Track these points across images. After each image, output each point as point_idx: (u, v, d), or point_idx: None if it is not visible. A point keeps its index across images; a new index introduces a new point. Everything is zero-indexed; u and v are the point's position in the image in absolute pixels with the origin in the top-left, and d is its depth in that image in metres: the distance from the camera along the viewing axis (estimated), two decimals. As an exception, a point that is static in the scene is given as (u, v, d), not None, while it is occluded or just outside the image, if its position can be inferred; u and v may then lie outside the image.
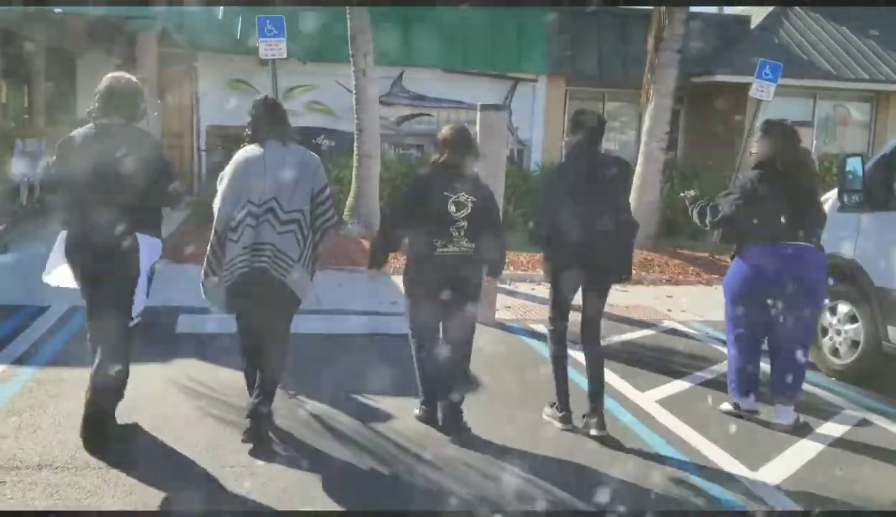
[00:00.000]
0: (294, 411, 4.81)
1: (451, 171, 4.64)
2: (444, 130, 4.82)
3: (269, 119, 4.46)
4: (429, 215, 4.58)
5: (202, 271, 4.35)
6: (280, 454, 4.22)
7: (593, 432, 4.68)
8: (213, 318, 6.69)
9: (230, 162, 4.40)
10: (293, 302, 4.45)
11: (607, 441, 4.61)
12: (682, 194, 5.69)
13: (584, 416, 4.78)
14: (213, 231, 4.33)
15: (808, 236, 5.03)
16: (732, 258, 5.20)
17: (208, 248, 4.34)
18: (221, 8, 14.20)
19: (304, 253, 4.37)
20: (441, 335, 4.78)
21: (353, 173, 11.73)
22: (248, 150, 4.41)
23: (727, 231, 5.26)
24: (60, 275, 4.26)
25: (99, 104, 4.18)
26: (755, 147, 5.20)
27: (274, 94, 10.47)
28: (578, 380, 5.03)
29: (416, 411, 4.84)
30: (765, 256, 4.91)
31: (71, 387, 4.90)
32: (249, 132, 4.49)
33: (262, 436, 4.28)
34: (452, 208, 4.58)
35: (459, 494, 3.89)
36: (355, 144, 11.76)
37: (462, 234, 4.62)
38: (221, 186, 4.35)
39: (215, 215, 4.34)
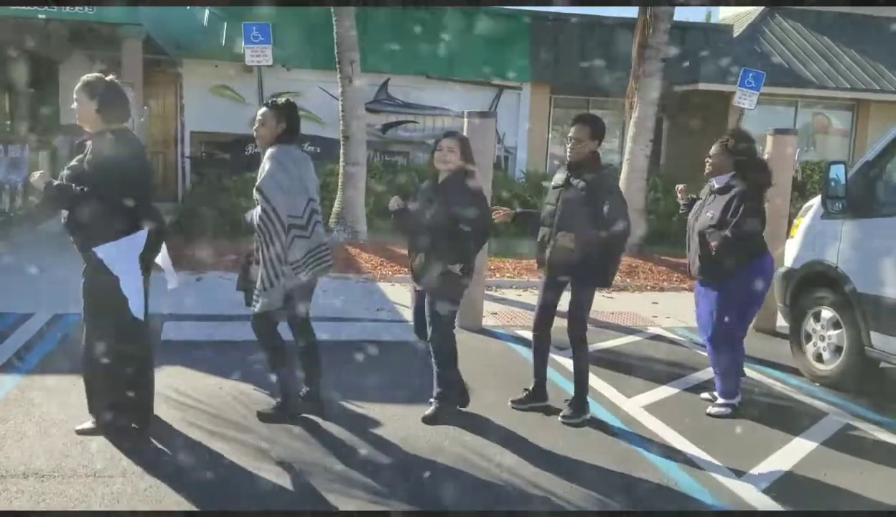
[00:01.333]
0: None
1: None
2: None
3: (298, 122, 4.72)
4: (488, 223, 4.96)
5: (270, 277, 4.43)
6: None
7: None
8: (199, 326, 6.70)
9: (272, 159, 4.49)
10: None
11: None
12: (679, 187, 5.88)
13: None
14: (276, 233, 4.40)
15: None
16: (739, 267, 5.07)
17: (275, 250, 4.42)
18: (206, 14, 14.17)
19: None
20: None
21: (339, 181, 11.71)
22: (291, 150, 4.61)
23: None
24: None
25: (123, 108, 4.28)
26: (724, 157, 5.21)
27: (259, 100, 10.47)
28: (557, 379, 5.05)
29: (433, 405, 4.90)
30: (771, 262, 5.33)
31: (55, 394, 4.87)
32: (286, 132, 4.60)
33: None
34: None
35: (454, 498, 3.90)
36: (341, 151, 11.74)
37: None
38: (275, 185, 4.42)
39: (278, 216, 4.40)
